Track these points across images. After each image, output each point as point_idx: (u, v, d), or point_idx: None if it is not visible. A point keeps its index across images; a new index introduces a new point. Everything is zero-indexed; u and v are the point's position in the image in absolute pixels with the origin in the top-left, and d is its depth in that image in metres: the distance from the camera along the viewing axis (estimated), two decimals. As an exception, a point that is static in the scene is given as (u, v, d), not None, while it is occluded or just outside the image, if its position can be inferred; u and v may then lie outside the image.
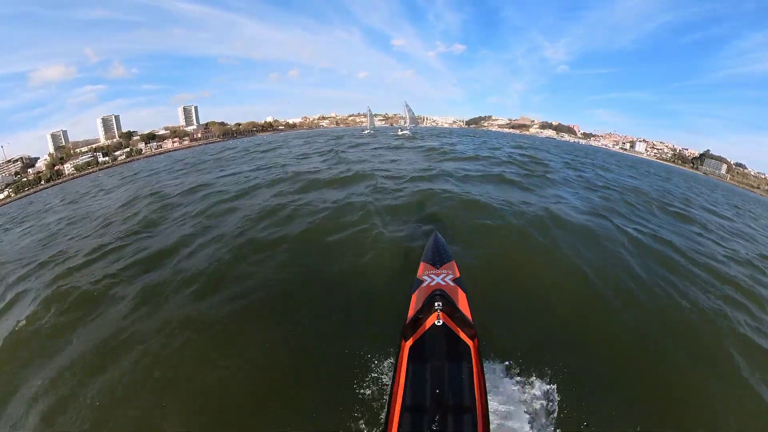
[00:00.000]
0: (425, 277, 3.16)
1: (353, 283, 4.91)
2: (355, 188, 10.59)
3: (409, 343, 2.31)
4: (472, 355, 2.23)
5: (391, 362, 2.81)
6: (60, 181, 66.42)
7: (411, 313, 2.70)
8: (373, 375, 2.97)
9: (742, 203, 28.23)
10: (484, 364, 2.31)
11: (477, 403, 1.95)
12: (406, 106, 52.88)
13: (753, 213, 22.16)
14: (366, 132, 48.77)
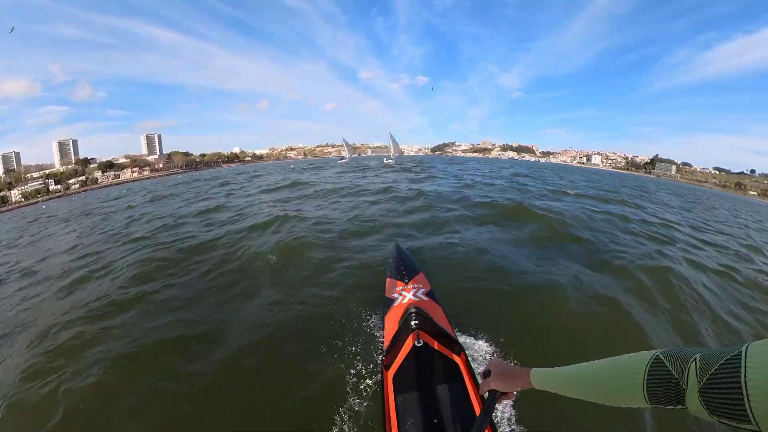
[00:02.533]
0: (395, 295, 2.81)
1: (314, 315, 3.70)
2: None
3: (392, 372, 2.06)
4: (463, 372, 2.04)
5: (378, 397, 2.30)
6: (5, 209, 61.09)
7: (387, 338, 2.43)
8: (360, 423, 2.33)
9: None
10: (478, 378, 2.00)
11: None
12: (391, 136, 55.26)
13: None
14: (343, 162, 49.36)
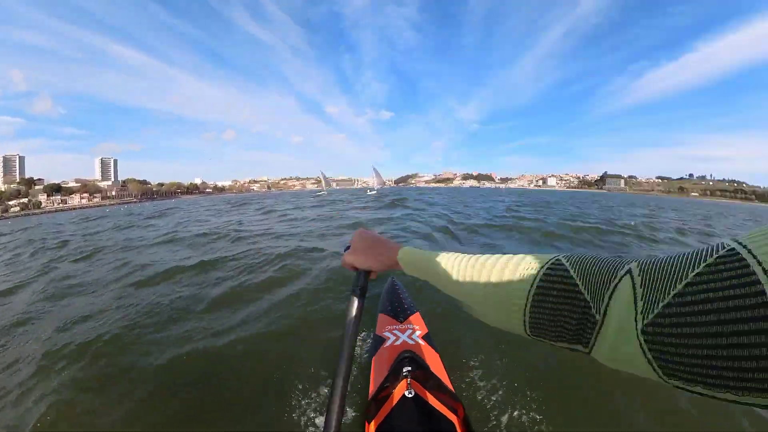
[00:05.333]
0: (387, 334, 2.56)
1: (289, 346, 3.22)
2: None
3: (375, 424, 1.79)
4: None
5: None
6: None
7: (373, 383, 2.09)
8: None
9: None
10: None
11: None
12: (374, 170, 57.83)
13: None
14: (320, 194, 47.48)
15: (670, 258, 0.30)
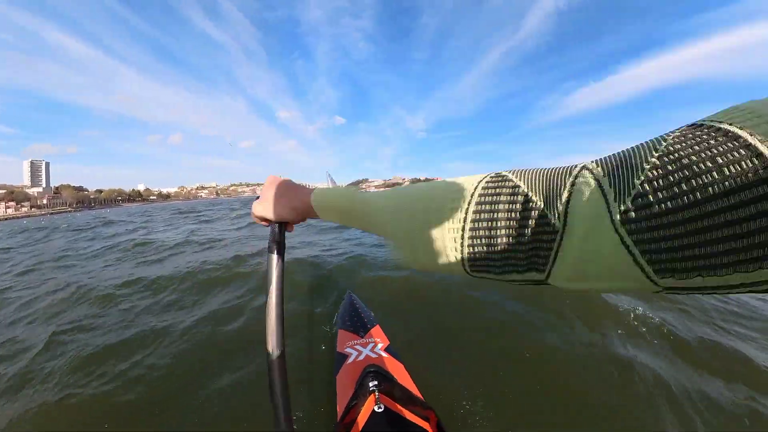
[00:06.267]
0: (349, 351, 2.45)
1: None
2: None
3: None
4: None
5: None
6: None
7: (340, 402, 2.01)
8: None
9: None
10: None
11: None
12: (329, 175, 60.88)
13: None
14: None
15: (627, 149, 0.25)
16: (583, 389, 2.62)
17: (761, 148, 0.18)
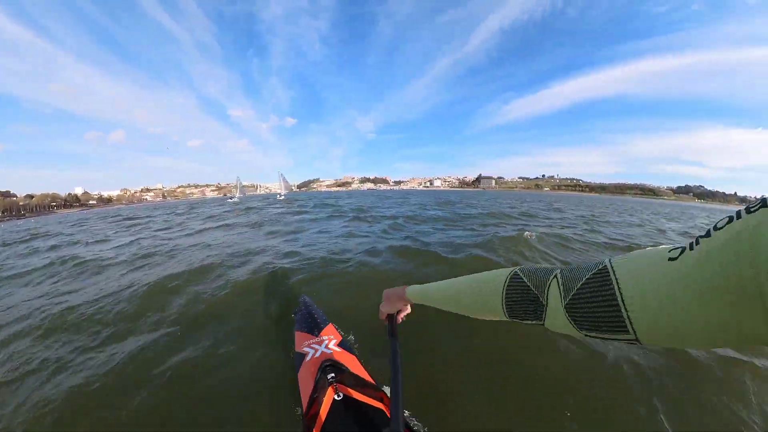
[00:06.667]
0: (306, 350, 2.56)
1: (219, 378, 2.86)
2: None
3: None
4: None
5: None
6: None
7: (304, 396, 2.10)
8: None
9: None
10: (412, 423, 2.02)
11: None
12: (281, 176, 59.08)
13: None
14: (232, 200, 48.05)
15: (578, 266, 0.51)
16: (519, 357, 2.96)
17: (615, 290, 0.42)
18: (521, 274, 0.59)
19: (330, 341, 2.67)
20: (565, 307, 0.48)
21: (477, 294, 0.67)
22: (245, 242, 8.32)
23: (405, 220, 12.33)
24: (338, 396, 2.01)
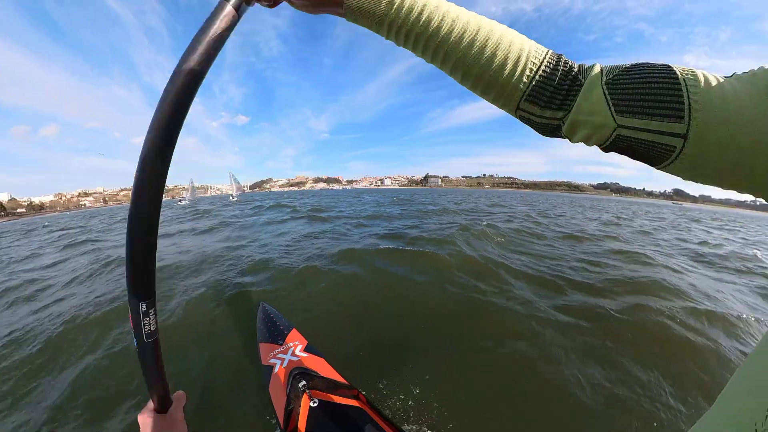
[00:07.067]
0: (273, 361, 2.42)
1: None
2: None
3: None
4: (370, 413, 1.86)
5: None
6: None
7: (279, 411, 1.95)
8: None
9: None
10: (386, 411, 2.07)
11: None
12: (232, 176, 57.13)
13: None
14: (182, 203, 45.28)
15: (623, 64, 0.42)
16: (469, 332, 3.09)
17: (679, 74, 0.36)
18: (564, 57, 0.45)
19: (296, 347, 2.57)
20: (605, 83, 0.40)
21: (497, 39, 0.43)
22: (196, 250, 7.60)
23: (367, 219, 12.33)
24: (314, 403, 1.94)
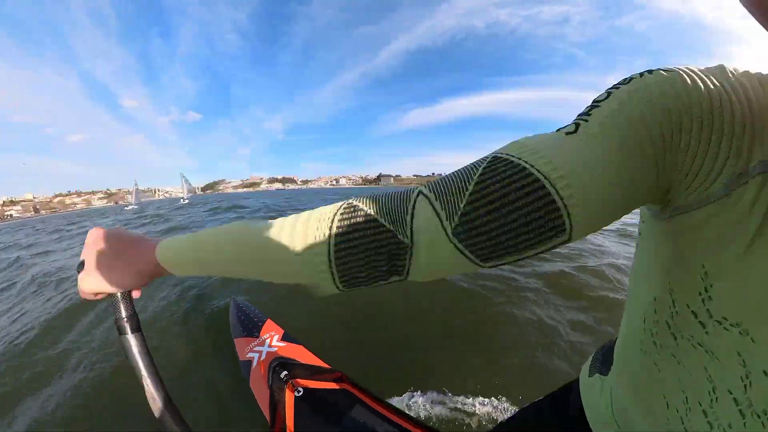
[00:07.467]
0: (251, 355, 2.33)
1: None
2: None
3: None
4: (355, 392, 1.79)
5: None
6: None
7: (263, 405, 1.89)
8: None
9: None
10: (374, 392, 1.82)
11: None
12: (183, 177, 54.18)
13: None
14: (129, 208, 42.93)
15: (449, 175, 0.34)
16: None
17: (537, 175, 0.28)
18: (359, 204, 0.36)
19: (272, 338, 2.49)
20: (453, 232, 0.31)
21: (284, 251, 0.37)
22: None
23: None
24: (298, 392, 1.87)
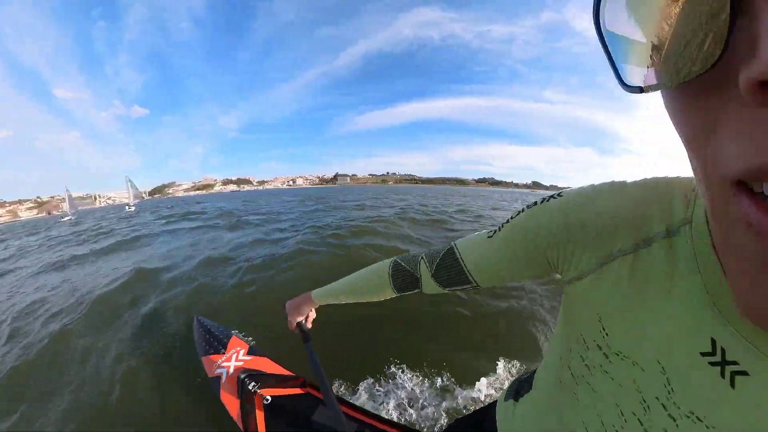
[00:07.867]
0: (219, 371, 2.36)
1: None
2: None
3: None
4: (319, 396, 1.95)
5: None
6: None
7: (236, 416, 1.97)
8: None
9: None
10: (337, 391, 2.18)
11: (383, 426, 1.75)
12: (129, 180, 49.49)
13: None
14: (66, 219, 35.12)
15: (435, 250, 0.68)
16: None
17: (461, 261, 0.60)
18: (400, 261, 0.74)
19: (238, 353, 2.52)
20: (432, 276, 0.65)
21: (370, 282, 0.80)
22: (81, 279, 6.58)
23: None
24: (266, 401, 1.96)
